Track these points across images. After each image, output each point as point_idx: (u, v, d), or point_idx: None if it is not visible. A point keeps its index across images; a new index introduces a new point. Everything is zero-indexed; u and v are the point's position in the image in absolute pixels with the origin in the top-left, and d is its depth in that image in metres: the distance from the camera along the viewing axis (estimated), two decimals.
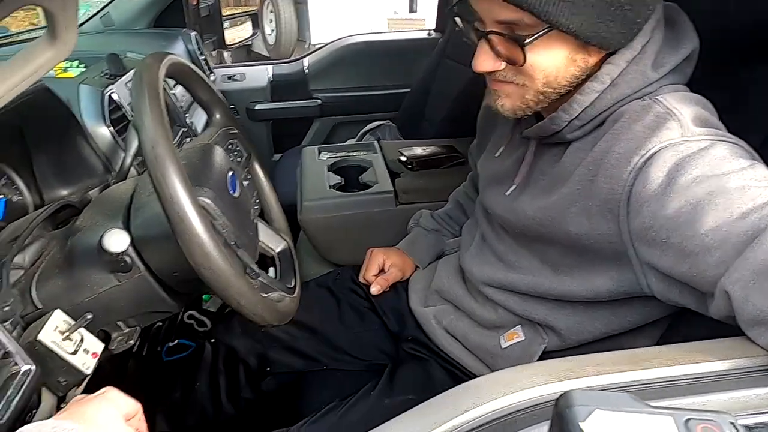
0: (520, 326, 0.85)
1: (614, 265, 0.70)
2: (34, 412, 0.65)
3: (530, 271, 0.82)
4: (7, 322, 0.67)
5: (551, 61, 0.68)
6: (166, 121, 0.65)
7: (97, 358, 0.71)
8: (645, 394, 0.50)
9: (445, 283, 0.98)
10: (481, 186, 0.94)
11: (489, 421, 0.50)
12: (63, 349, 0.67)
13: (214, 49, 2.53)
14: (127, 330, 0.81)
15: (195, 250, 0.62)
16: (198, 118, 1.79)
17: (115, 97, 1.24)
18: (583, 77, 0.71)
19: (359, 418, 0.86)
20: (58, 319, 0.69)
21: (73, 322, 0.69)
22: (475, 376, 0.87)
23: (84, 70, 1.35)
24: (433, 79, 2.17)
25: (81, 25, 2.01)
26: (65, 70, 1.32)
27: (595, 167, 0.68)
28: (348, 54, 2.48)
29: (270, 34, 6.09)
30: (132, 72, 1.39)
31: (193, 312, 1.13)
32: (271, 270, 0.99)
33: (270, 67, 2.43)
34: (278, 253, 0.99)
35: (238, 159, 0.94)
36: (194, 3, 2.23)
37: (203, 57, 2.05)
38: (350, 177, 1.51)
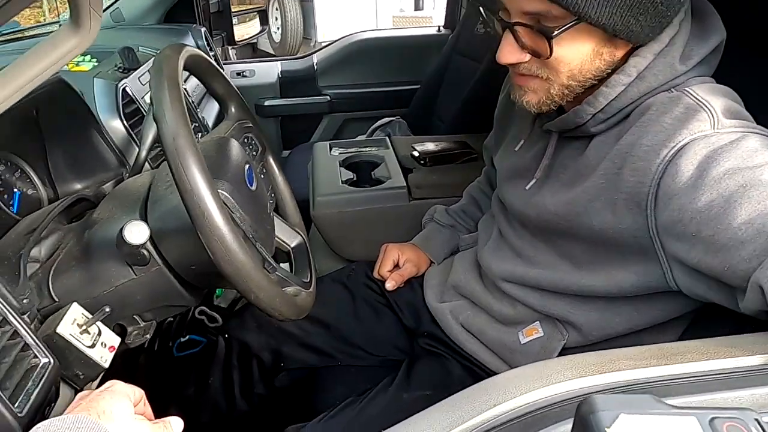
0: (538, 322, 0.84)
1: (639, 260, 0.69)
2: (52, 405, 0.65)
3: (549, 266, 0.81)
4: (25, 315, 0.66)
5: (577, 54, 0.67)
6: (186, 112, 0.64)
7: (114, 352, 0.71)
8: (675, 390, 0.49)
9: (462, 278, 0.97)
10: (500, 180, 0.93)
11: (517, 416, 0.49)
12: (81, 342, 0.67)
13: (222, 46, 2.52)
14: (143, 324, 0.81)
15: (215, 243, 0.61)
16: (208, 113, 1.78)
17: (128, 90, 1.24)
18: (609, 70, 0.69)
19: (378, 412, 0.85)
20: (76, 312, 0.68)
21: (90, 316, 0.69)
22: (493, 372, 0.87)
23: (97, 64, 1.34)
24: (443, 75, 2.16)
25: None
26: (78, 63, 1.32)
27: (620, 160, 0.67)
28: (357, 50, 2.47)
29: (276, 32, 6.10)
30: (146, 65, 1.38)
31: (204, 308, 1.13)
32: (286, 265, 0.98)
33: (279, 64, 2.43)
34: (293, 248, 0.98)
35: (254, 153, 0.94)
36: None
37: (213, 53, 2.05)
38: (362, 172, 1.50)
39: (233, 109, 0.94)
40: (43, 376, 0.62)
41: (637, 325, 0.76)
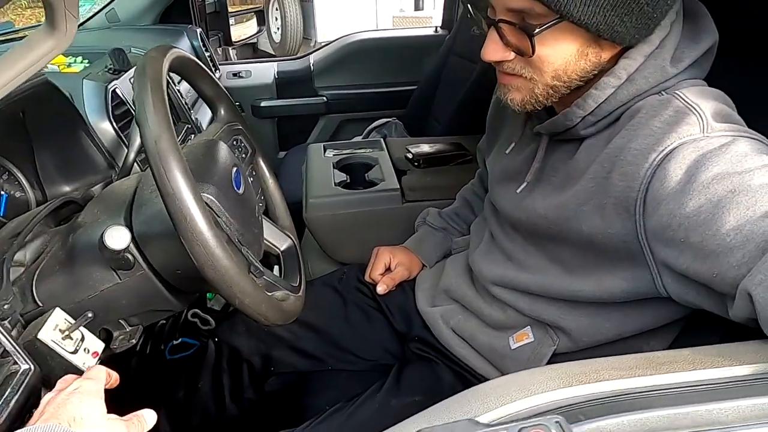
0: (529, 327, 0.83)
1: (628, 265, 0.68)
2: (33, 411, 0.64)
3: (540, 270, 0.80)
4: (6, 321, 0.66)
5: (561, 53, 0.66)
6: (169, 115, 0.63)
7: (97, 358, 0.70)
8: (657, 401, 0.48)
9: (453, 282, 0.96)
10: (491, 183, 0.92)
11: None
12: (63, 348, 0.66)
13: (219, 46, 2.52)
14: (129, 329, 0.80)
15: (198, 248, 0.60)
16: (203, 115, 1.77)
17: (118, 92, 1.23)
18: (596, 72, 0.69)
19: (366, 419, 0.84)
20: (59, 317, 0.67)
21: (73, 321, 0.68)
22: (484, 378, 0.86)
23: (88, 65, 1.33)
24: (440, 76, 2.15)
25: (86, 21, 2.00)
26: (69, 65, 1.31)
27: (610, 164, 0.66)
28: (354, 51, 2.46)
29: (276, 32, 6.09)
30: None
31: (196, 310, 1.12)
32: (276, 268, 0.98)
33: (276, 64, 2.43)
34: (283, 252, 0.97)
35: (243, 155, 0.93)
36: None
37: (208, 54, 2.04)
38: (356, 174, 1.49)
39: (222, 112, 0.93)
40: (23, 382, 0.61)
41: (627, 331, 0.75)
